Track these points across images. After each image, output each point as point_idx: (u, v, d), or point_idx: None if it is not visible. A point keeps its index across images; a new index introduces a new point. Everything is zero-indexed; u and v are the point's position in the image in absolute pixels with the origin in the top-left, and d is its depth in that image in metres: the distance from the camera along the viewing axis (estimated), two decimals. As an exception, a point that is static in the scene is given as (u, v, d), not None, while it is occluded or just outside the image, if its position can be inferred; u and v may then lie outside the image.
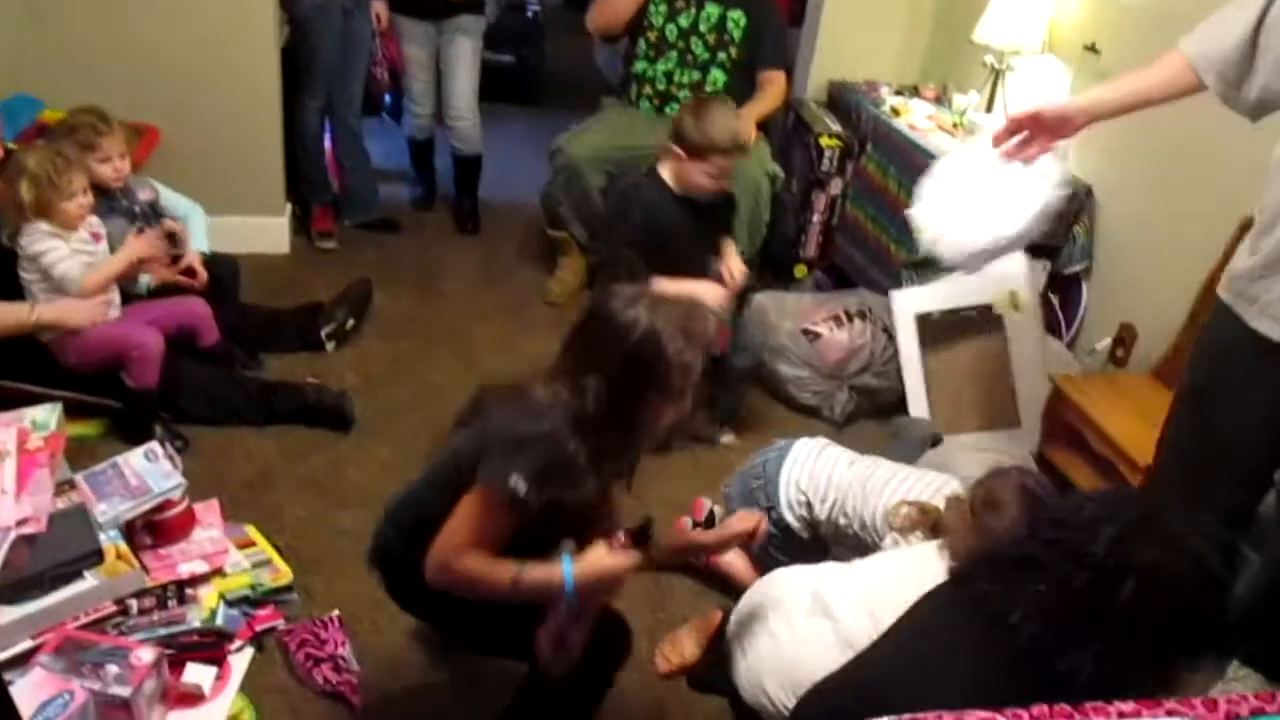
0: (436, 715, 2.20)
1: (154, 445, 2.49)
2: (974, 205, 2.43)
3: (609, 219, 3.03)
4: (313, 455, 2.98)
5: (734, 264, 2.97)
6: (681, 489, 2.95)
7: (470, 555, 1.64)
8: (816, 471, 2.46)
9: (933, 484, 2.34)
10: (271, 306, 3.56)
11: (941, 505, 2.17)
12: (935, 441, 3.02)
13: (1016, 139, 2.31)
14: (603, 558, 1.68)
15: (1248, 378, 2.15)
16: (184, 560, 2.34)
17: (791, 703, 1.91)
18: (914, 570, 1.93)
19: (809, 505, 2.43)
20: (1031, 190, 2.40)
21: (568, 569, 1.65)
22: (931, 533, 2.19)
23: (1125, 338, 3.29)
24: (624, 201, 2.93)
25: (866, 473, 2.43)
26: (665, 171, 2.86)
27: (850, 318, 3.39)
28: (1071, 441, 2.98)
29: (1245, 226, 2.76)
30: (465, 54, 4.20)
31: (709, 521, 2.69)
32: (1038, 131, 2.30)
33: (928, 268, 3.36)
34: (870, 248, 3.73)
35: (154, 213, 3.12)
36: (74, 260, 2.76)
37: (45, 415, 2.37)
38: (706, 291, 2.75)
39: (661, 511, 2.69)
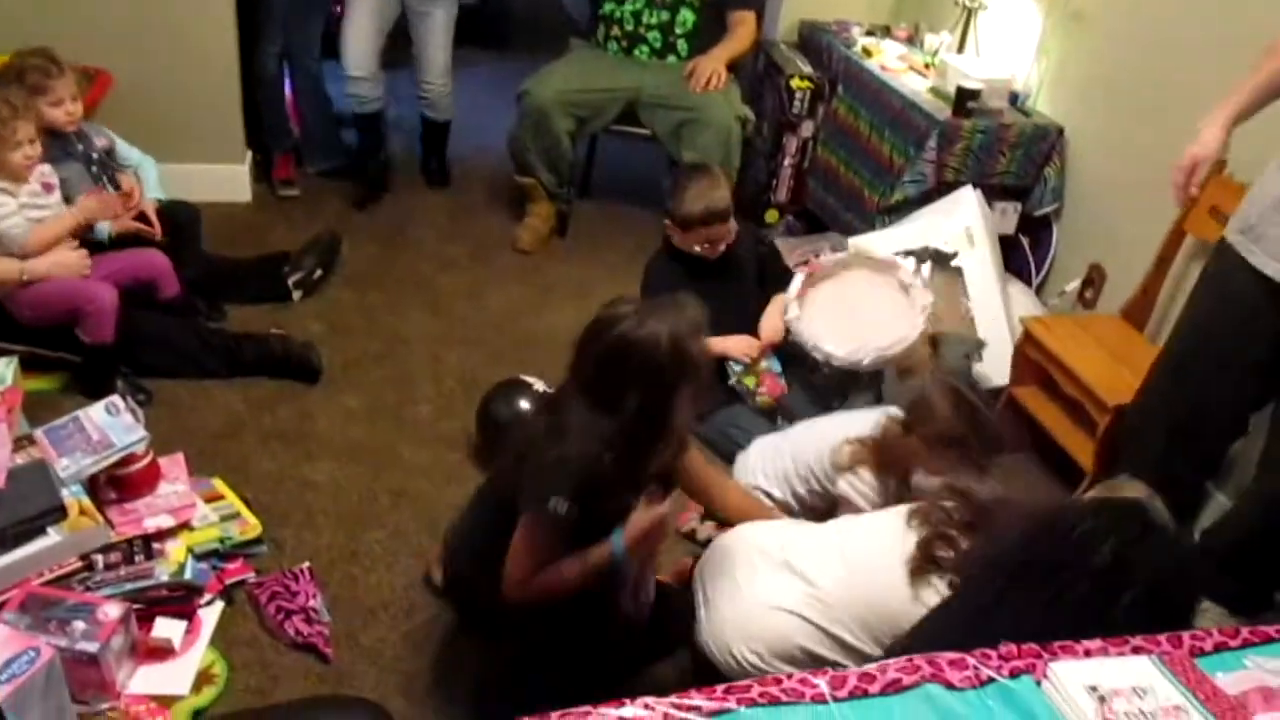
0: (409, 666, 2.19)
1: (115, 399, 2.44)
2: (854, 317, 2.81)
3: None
4: (279, 407, 2.94)
5: (770, 324, 2.92)
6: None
7: (539, 575, 1.84)
8: (770, 461, 2.53)
9: (871, 418, 2.35)
10: (234, 256, 3.49)
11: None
12: (979, 347, 3.04)
13: (1193, 183, 2.30)
14: (640, 517, 1.87)
15: (1245, 317, 2.21)
16: (150, 515, 2.31)
17: (750, 657, 1.89)
18: (880, 534, 1.95)
19: (791, 489, 2.47)
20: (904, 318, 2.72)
21: (616, 539, 1.86)
22: (878, 465, 2.22)
23: (1094, 279, 3.30)
24: (648, 280, 3.00)
25: (810, 428, 2.50)
26: (675, 241, 2.91)
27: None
28: (1040, 382, 3.00)
29: (1217, 170, 2.77)
30: (439, 28, 3.94)
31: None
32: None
33: (904, 210, 3.34)
34: (843, 191, 3.70)
35: (110, 161, 3.04)
36: (19, 217, 2.68)
37: (0, 369, 2.31)
38: (735, 345, 2.87)
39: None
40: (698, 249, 2.85)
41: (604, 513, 1.86)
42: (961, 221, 3.19)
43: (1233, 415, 2.38)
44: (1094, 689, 1.21)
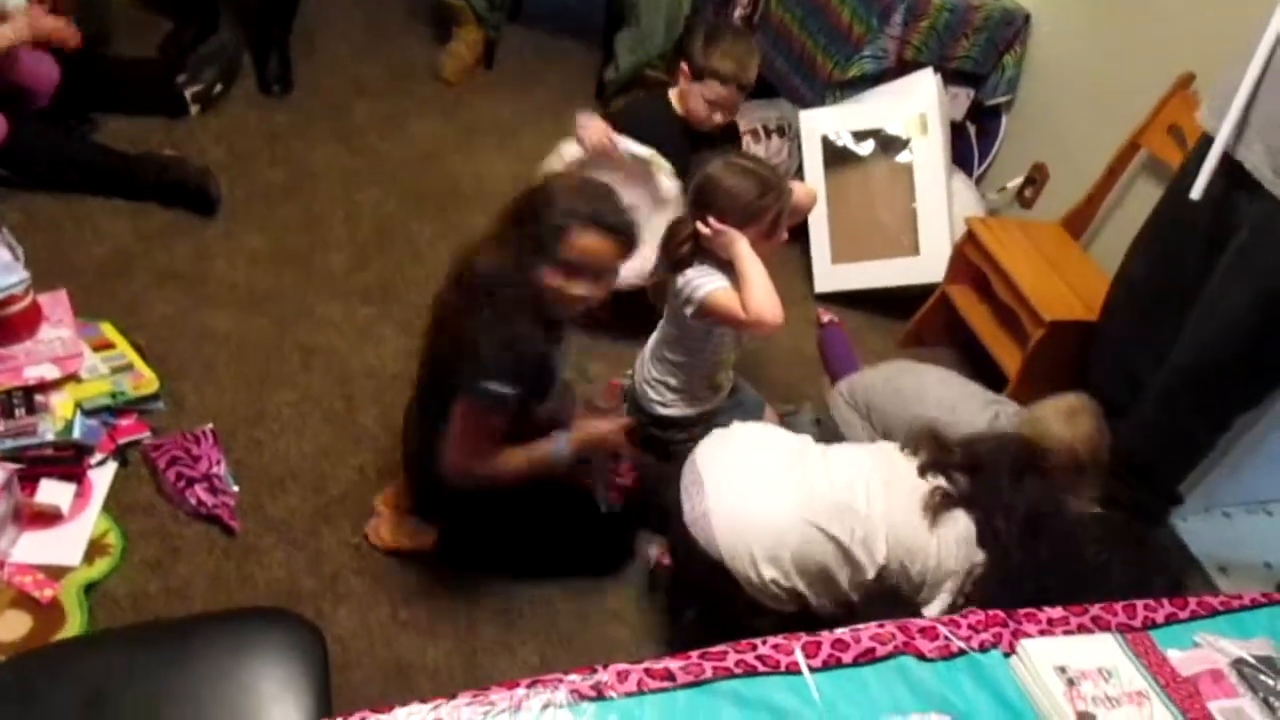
0: (321, 544, 2.08)
1: (-9, 230, 2.16)
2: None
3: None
4: (174, 241, 2.68)
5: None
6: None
7: (482, 459, 1.83)
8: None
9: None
10: (116, 54, 3.09)
11: None
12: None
13: None
14: (593, 426, 1.98)
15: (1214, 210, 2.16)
16: (30, 363, 2.09)
17: (768, 570, 1.79)
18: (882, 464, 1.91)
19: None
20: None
21: (563, 439, 1.93)
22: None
23: (1036, 178, 3.26)
24: (624, 115, 2.75)
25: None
26: (673, 94, 2.71)
27: (769, 133, 3.21)
28: (974, 283, 2.97)
29: (1182, 84, 2.70)
30: None
31: (625, 397, 2.57)
32: None
33: (858, 87, 3.19)
34: (795, 55, 3.49)
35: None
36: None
37: None
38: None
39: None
40: (699, 105, 2.63)
41: (542, 387, 1.88)
42: (917, 106, 3.06)
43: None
44: (1063, 670, 1.21)
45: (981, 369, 2.96)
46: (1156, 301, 2.37)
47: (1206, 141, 2.19)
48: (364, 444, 2.29)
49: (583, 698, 1.05)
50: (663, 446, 2.35)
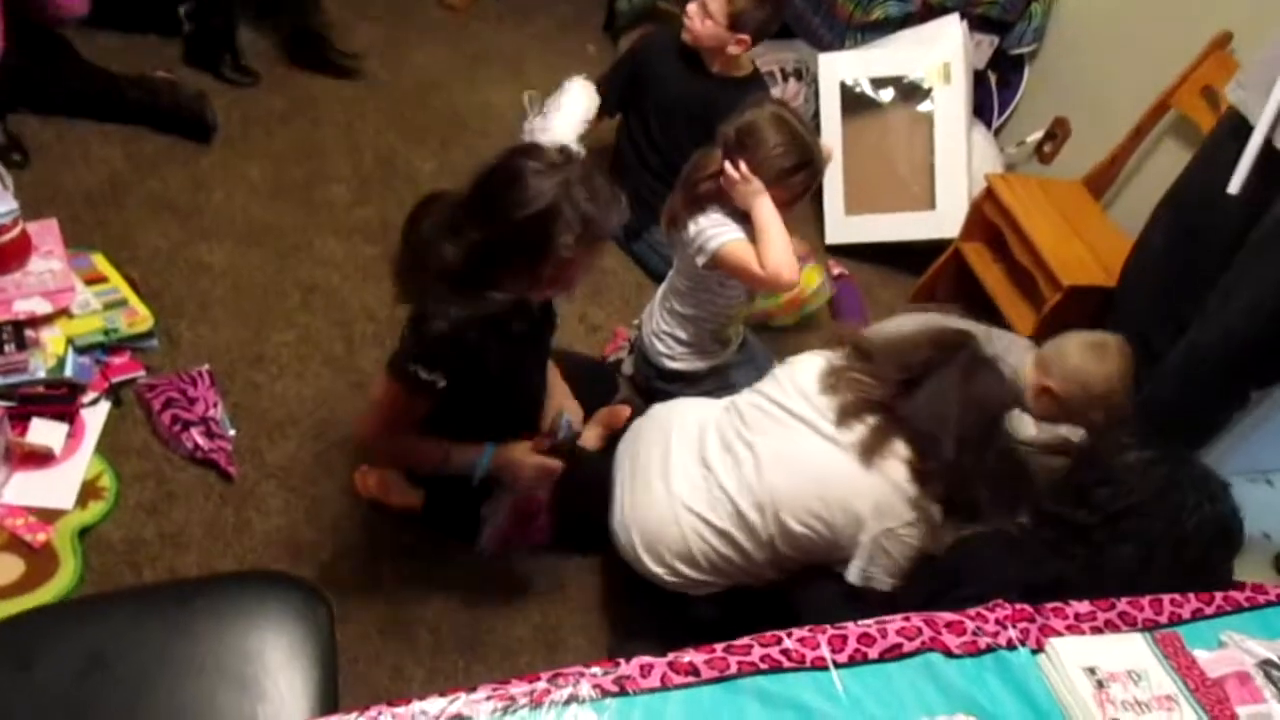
0: (321, 491, 2.04)
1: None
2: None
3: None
4: (168, 169, 2.58)
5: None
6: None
7: (393, 437, 1.72)
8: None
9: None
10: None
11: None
12: None
13: None
14: (522, 453, 1.79)
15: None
16: (20, 296, 2.01)
17: (654, 566, 1.76)
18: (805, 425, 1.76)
19: None
20: None
21: (488, 452, 1.77)
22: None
23: (1057, 133, 3.17)
24: (646, 55, 2.69)
25: None
26: (687, 35, 2.61)
27: (785, 76, 3.10)
28: (989, 241, 2.91)
29: (1219, 43, 2.61)
30: None
31: (631, 349, 2.50)
32: None
33: (881, 30, 3.07)
34: (813, -8, 3.37)
35: None
36: None
37: None
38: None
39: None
40: (690, 25, 2.56)
41: (474, 382, 1.67)
42: (941, 54, 2.96)
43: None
44: (1092, 671, 1.18)
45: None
46: (1176, 274, 2.32)
47: (1234, 114, 2.13)
48: (364, 389, 2.23)
49: (605, 693, 1.02)
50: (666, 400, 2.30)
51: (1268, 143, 2.00)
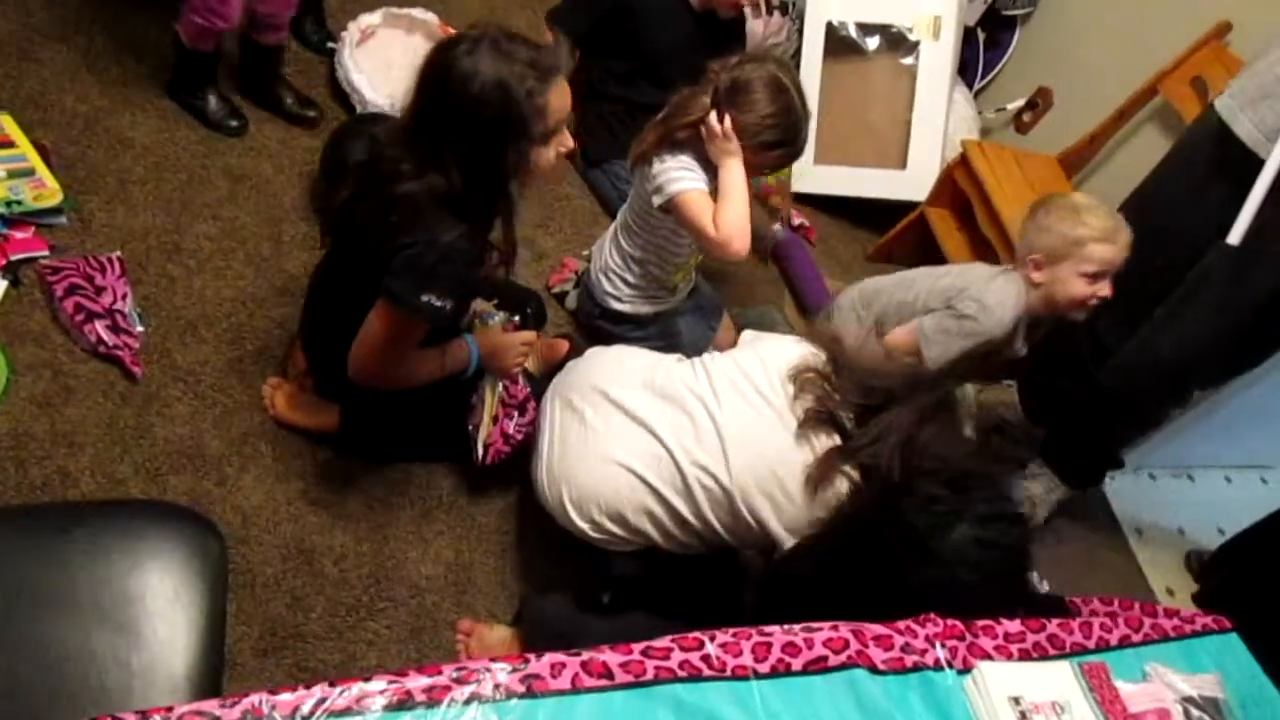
0: (231, 400, 1.91)
1: None
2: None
3: None
4: (96, 26, 2.35)
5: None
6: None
7: (396, 365, 1.68)
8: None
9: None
10: None
11: None
12: None
13: None
14: (498, 335, 1.83)
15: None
16: (-89, 153, 1.82)
17: (578, 520, 1.69)
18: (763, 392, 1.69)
19: None
20: None
21: (472, 345, 1.78)
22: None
23: (1039, 103, 3.08)
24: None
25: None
26: None
27: (770, 8, 2.94)
28: (955, 208, 2.83)
29: (1217, 33, 2.53)
30: None
31: (577, 283, 2.39)
32: None
33: (872, -30, 2.92)
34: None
35: None
36: None
37: None
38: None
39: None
40: None
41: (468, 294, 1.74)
42: (933, 6, 2.83)
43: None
44: (1017, 701, 1.14)
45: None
46: (1135, 273, 2.27)
47: (1213, 119, 2.06)
48: (289, 295, 2.09)
49: (510, 693, 0.94)
50: (610, 341, 2.20)
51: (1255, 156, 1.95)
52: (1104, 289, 2.06)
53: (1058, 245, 2.05)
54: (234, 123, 2.31)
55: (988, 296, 2.10)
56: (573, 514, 1.70)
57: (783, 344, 1.73)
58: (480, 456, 1.83)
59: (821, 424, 1.58)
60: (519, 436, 1.85)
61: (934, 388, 1.63)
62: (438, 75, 1.51)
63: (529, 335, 1.86)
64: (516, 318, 1.92)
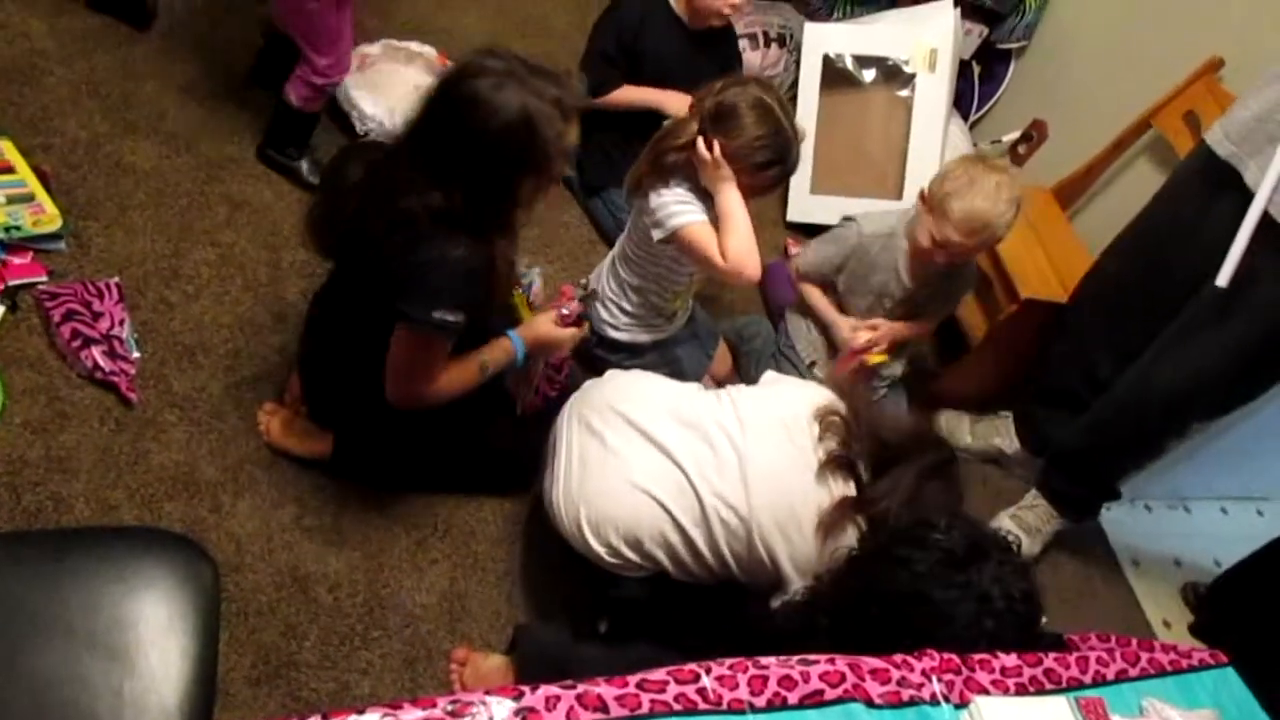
0: (227, 427, 1.91)
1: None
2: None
3: (591, 33, 2.57)
4: (98, 51, 2.37)
5: None
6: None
7: (430, 383, 1.69)
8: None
9: None
10: None
11: None
12: None
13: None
14: (546, 327, 1.84)
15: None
16: (-88, 178, 1.83)
17: (595, 545, 1.68)
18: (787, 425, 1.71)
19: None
20: None
21: (517, 342, 1.80)
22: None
23: (1034, 135, 3.10)
24: (608, 21, 2.51)
25: None
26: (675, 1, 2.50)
27: (769, 41, 2.97)
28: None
29: (1210, 68, 2.55)
30: None
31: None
32: None
33: (869, 4, 2.96)
34: (806, -46, 3.23)
35: None
36: None
37: None
38: (671, 100, 2.43)
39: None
40: None
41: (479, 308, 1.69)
42: (930, 39, 2.86)
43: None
44: (1012, 736, 1.14)
45: (942, 329, 2.87)
46: (1132, 305, 2.29)
47: (1205, 152, 2.08)
48: (287, 321, 2.09)
49: (504, 727, 0.94)
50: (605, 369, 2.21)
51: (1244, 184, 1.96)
52: (940, 256, 2.16)
53: (936, 194, 2.14)
54: (316, 180, 2.30)
55: (870, 215, 2.27)
56: (589, 536, 1.69)
57: (807, 387, 1.77)
58: (520, 410, 1.99)
59: (840, 469, 1.61)
60: (553, 393, 2.05)
61: (939, 447, 1.70)
62: (456, 103, 1.52)
63: (578, 333, 1.88)
64: (574, 301, 1.89)
